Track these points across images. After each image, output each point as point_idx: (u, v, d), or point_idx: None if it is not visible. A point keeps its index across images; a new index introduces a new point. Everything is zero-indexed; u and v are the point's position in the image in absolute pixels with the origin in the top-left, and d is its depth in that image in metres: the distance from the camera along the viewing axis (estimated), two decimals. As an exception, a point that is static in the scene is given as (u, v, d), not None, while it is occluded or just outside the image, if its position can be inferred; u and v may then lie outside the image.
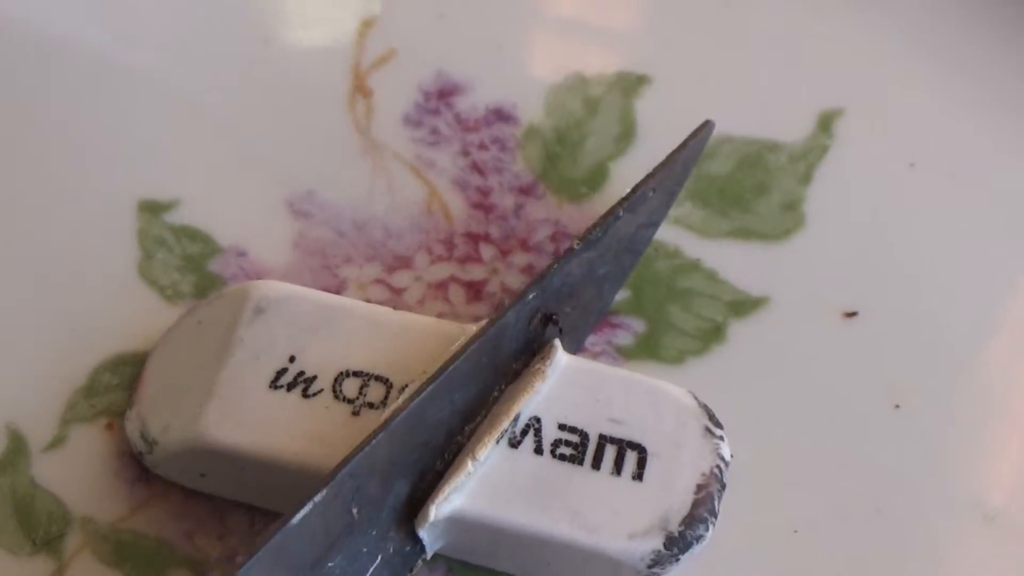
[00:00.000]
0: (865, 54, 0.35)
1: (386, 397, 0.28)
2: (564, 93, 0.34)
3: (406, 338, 0.28)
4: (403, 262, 0.32)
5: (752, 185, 0.33)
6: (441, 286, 0.32)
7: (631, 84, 0.35)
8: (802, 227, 0.33)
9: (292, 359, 0.28)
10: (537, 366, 0.28)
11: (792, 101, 0.35)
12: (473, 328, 0.28)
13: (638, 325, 0.32)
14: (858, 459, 0.30)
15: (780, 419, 0.30)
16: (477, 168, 0.33)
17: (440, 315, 0.31)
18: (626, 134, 0.34)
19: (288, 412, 0.28)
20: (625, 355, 0.31)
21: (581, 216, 0.33)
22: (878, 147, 0.34)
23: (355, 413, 0.27)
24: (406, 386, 0.27)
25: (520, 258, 0.32)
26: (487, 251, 0.32)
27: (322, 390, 0.28)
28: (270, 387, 0.28)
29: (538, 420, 0.27)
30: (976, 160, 0.34)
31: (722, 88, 0.35)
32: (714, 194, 0.33)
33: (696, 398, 0.28)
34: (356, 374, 0.28)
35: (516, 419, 0.27)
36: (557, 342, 0.28)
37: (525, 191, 0.33)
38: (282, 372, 0.28)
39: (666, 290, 0.32)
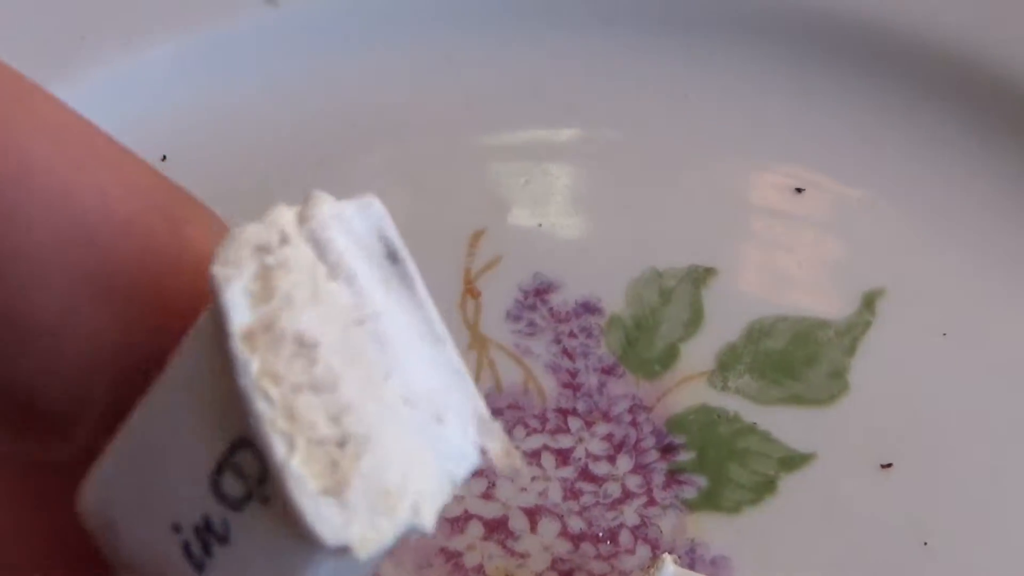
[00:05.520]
0: (902, 240, 0.41)
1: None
2: (642, 286, 0.40)
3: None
4: (503, 435, 0.38)
5: (803, 357, 0.39)
6: (535, 454, 0.38)
7: (700, 276, 0.40)
8: (846, 392, 0.38)
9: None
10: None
11: (839, 284, 0.40)
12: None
13: (701, 481, 0.37)
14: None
15: (824, 556, 0.35)
16: (567, 353, 0.39)
17: (533, 479, 0.37)
18: (695, 319, 0.39)
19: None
20: (690, 507, 0.36)
21: (654, 390, 0.38)
22: (914, 320, 0.39)
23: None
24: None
25: (602, 428, 0.38)
26: (574, 423, 0.38)
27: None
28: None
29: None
30: (1001, 328, 0.39)
31: (778, 274, 0.40)
32: (769, 367, 0.38)
33: None
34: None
35: None
36: (667, 556, 0.33)
37: (607, 371, 0.39)
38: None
39: (726, 450, 0.37)
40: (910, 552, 0.35)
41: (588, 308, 0.40)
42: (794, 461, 0.37)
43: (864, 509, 0.36)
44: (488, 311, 0.40)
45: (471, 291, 0.41)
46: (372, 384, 0.19)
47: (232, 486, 0.19)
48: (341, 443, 0.18)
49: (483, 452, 0.20)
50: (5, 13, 0.43)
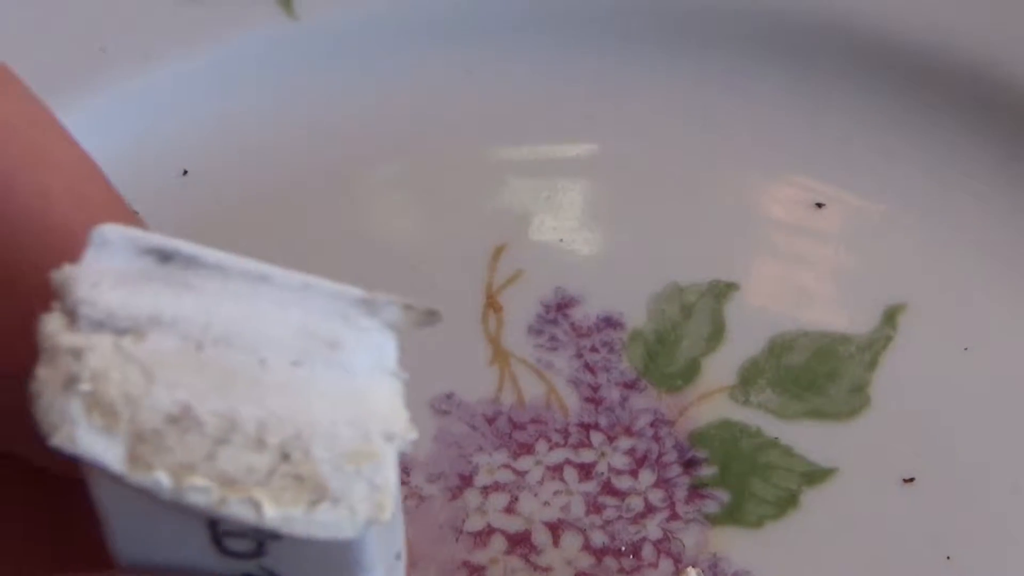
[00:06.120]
0: (923, 254, 0.41)
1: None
2: (663, 301, 0.40)
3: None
4: (526, 449, 0.38)
5: (824, 372, 0.39)
6: (557, 468, 0.38)
7: (721, 290, 0.40)
8: (868, 407, 0.38)
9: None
10: None
11: (860, 299, 0.40)
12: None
13: (724, 496, 0.37)
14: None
15: (846, 571, 0.35)
16: (588, 368, 0.39)
17: (556, 493, 0.37)
18: (716, 333, 0.40)
19: None
20: (712, 521, 0.36)
21: (676, 404, 0.38)
22: (935, 335, 0.39)
23: None
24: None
25: (624, 442, 0.38)
26: (596, 437, 0.38)
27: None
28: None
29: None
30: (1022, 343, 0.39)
31: (799, 289, 0.40)
32: (791, 382, 0.38)
33: None
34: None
35: None
36: (691, 570, 0.34)
37: (629, 385, 0.39)
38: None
39: (749, 465, 0.37)
40: (933, 566, 0.35)
41: (610, 322, 0.40)
42: (816, 476, 0.37)
43: (887, 523, 0.36)
44: (510, 325, 0.40)
45: (493, 305, 0.41)
46: (257, 383, 0.17)
47: (241, 544, 0.18)
48: (286, 456, 0.17)
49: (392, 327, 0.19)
50: (25, 26, 0.43)
